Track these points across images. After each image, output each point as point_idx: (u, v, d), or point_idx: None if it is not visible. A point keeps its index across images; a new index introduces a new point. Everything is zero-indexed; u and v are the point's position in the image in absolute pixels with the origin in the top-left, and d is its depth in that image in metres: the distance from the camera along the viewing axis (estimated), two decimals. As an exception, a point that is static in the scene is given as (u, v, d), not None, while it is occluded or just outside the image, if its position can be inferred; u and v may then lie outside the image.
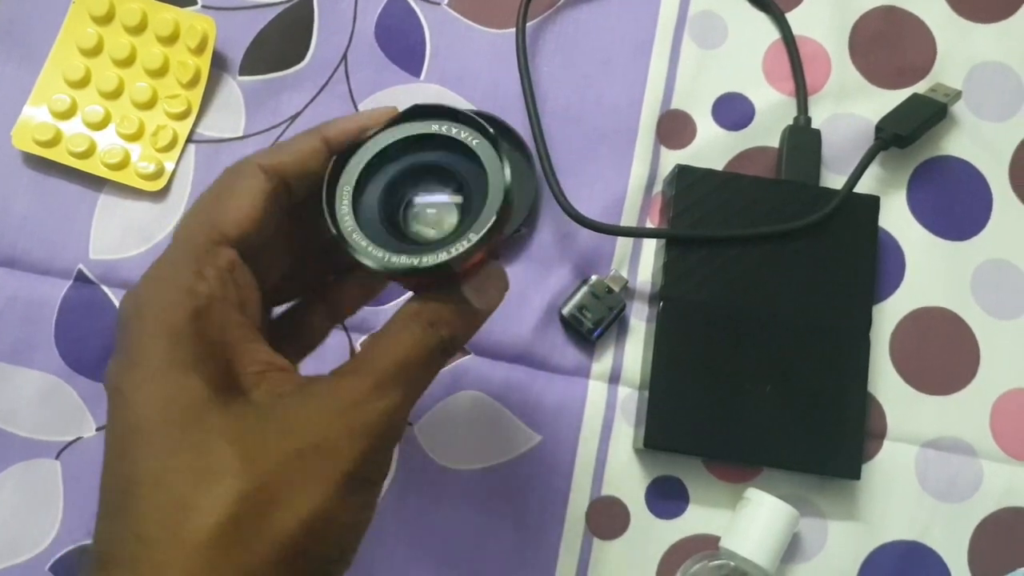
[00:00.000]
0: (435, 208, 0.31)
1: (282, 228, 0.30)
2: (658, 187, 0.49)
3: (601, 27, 0.50)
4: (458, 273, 0.30)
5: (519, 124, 0.48)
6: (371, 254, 0.29)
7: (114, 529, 0.26)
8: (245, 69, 0.49)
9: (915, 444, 0.47)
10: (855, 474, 0.45)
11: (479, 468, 0.47)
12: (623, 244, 0.48)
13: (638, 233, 0.48)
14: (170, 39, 0.48)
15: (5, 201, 0.47)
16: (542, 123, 0.48)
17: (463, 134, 0.31)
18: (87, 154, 0.47)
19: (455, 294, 0.29)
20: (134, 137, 0.48)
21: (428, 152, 0.31)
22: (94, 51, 0.48)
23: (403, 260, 0.29)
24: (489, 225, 0.29)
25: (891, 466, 0.47)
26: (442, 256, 0.29)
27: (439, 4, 0.50)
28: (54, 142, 0.47)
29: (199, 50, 0.48)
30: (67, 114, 0.47)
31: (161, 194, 0.48)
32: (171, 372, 0.26)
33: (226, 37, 0.49)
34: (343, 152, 0.31)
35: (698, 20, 0.50)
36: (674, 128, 0.49)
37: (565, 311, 0.47)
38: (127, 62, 0.48)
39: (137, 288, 0.28)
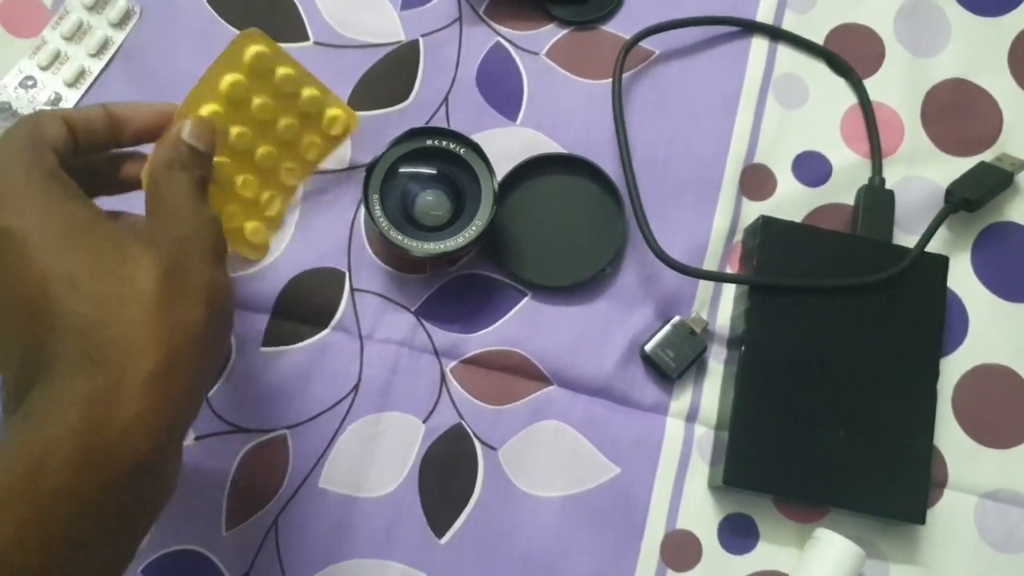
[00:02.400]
0: (435, 203, 0.47)
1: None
2: (738, 236, 0.52)
3: (691, 83, 0.53)
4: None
5: (610, 169, 0.51)
6: (408, 244, 0.46)
7: (37, 332, 0.31)
8: (352, 104, 0.52)
9: (975, 494, 0.49)
10: (920, 519, 0.47)
11: (558, 496, 0.48)
12: (704, 288, 0.51)
13: (724, 278, 0.50)
14: (312, 117, 0.47)
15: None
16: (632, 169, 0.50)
17: (452, 145, 0.47)
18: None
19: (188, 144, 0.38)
20: (249, 204, 0.46)
21: (427, 161, 0.47)
22: (236, 103, 0.43)
23: (432, 246, 0.46)
24: (489, 213, 0.46)
25: (951, 514, 0.49)
26: (460, 240, 0.46)
27: (537, 54, 0.53)
28: None
29: (335, 140, 0.49)
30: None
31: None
32: (54, 201, 0.33)
33: (336, 73, 0.52)
34: (368, 168, 0.46)
35: (782, 81, 0.53)
36: (756, 181, 0.52)
37: (648, 348, 0.49)
38: (264, 124, 0.45)
39: None
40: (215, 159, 0.41)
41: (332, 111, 0.48)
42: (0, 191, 0.33)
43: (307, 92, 0.46)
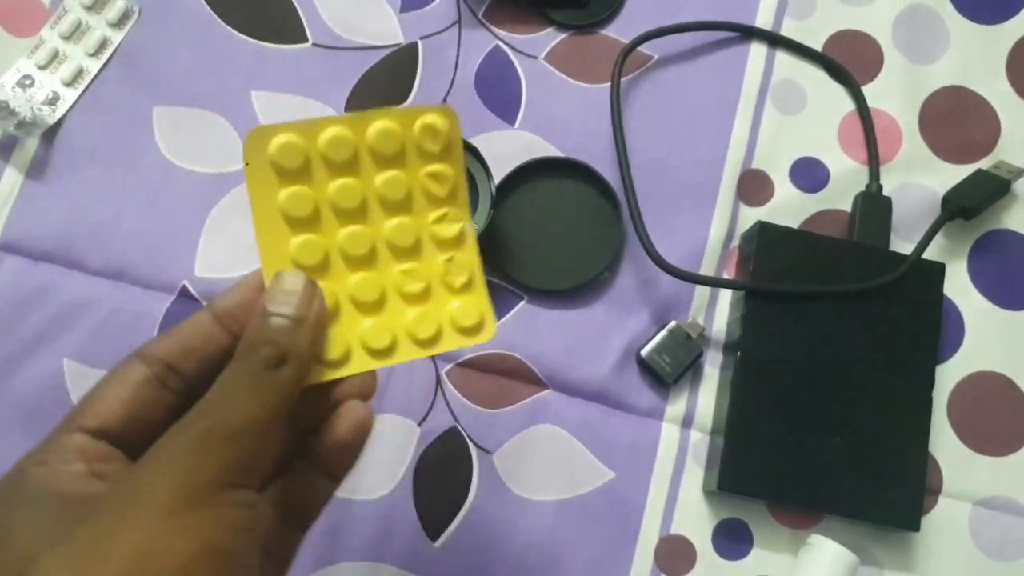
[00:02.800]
0: None
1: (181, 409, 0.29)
2: (735, 241, 0.52)
3: (689, 88, 0.53)
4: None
5: (608, 174, 0.51)
6: None
7: None
8: (350, 106, 0.52)
9: (969, 502, 0.49)
10: (915, 526, 0.47)
11: (553, 500, 0.48)
12: (701, 293, 0.51)
13: (721, 283, 0.50)
14: (400, 155, 0.33)
15: (117, 216, 0.50)
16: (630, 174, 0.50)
17: None
18: (392, 347, 0.33)
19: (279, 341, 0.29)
20: (427, 292, 0.34)
21: None
22: (313, 218, 0.32)
23: None
24: (486, 216, 0.46)
25: (946, 521, 0.49)
26: None
27: (536, 58, 0.53)
28: (345, 358, 0.32)
29: (446, 152, 0.34)
30: (332, 314, 0.32)
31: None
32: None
33: (334, 74, 0.52)
34: None
35: (780, 87, 0.53)
36: (753, 186, 0.52)
37: (644, 353, 0.49)
38: (361, 210, 0.33)
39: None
40: (353, 287, 0.32)
41: (416, 126, 0.33)
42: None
43: (374, 133, 0.32)
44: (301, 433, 0.31)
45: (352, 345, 0.32)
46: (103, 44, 0.51)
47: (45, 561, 0.24)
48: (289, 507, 0.31)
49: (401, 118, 0.33)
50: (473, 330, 0.35)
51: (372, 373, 0.32)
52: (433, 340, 0.34)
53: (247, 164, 0.31)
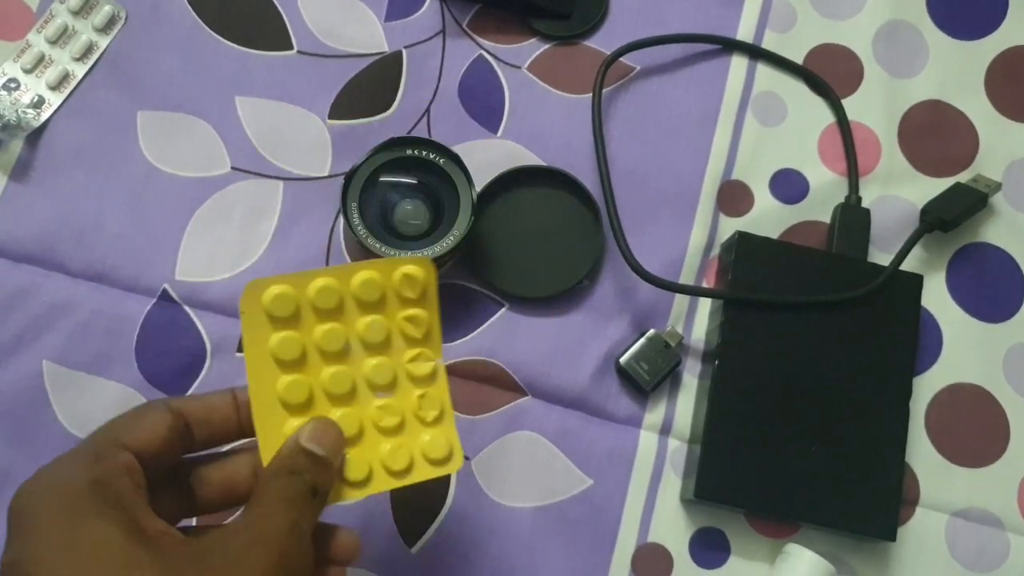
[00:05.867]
0: (414, 212, 0.47)
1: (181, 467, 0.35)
2: (715, 251, 0.52)
3: (670, 99, 0.54)
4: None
5: (589, 183, 0.51)
6: (386, 253, 0.46)
7: None
8: (334, 113, 0.52)
9: (946, 512, 0.50)
10: (891, 536, 0.47)
11: (531, 507, 0.48)
12: (680, 302, 0.51)
13: (699, 292, 0.50)
14: (380, 301, 0.37)
15: (99, 219, 0.50)
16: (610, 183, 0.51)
17: (432, 155, 0.47)
18: (368, 478, 0.36)
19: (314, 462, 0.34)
20: (400, 426, 0.38)
21: (407, 170, 0.47)
22: (300, 360, 0.36)
23: (410, 255, 0.45)
24: (468, 223, 0.46)
25: (922, 532, 0.49)
26: (437, 250, 0.46)
27: (519, 68, 0.54)
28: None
29: (422, 297, 0.38)
30: None
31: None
32: (77, 522, 0.29)
33: (319, 82, 0.52)
34: (347, 176, 0.45)
35: (760, 99, 0.54)
36: (733, 197, 0.53)
37: (623, 361, 0.49)
38: (344, 352, 0.37)
39: (30, 480, 0.30)
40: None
41: (396, 277, 0.38)
42: (28, 510, 0.29)
43: (356, 284, 0.37)
44: None
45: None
46: (89, 49, 0.51)
47: None
48: None
49: (383, 268, 0.37)
50: (442, 461, 0.38)
51: (357, 543, 0.35)
52: (406, 471, 0.37)
53: (243, 312, 0.35)
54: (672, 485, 0.49)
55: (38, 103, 0.50)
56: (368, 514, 0.48)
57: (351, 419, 0.36)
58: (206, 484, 0.36)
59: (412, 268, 0.38)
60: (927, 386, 0.51)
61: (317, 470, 0.33)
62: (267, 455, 0.34)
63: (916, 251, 0.52)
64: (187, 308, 0.49)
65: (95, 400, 0.48)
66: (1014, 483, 0.50)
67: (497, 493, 0.49)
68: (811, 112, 0.54)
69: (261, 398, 0.35)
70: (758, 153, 0.53)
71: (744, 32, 0.55)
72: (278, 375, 0.36)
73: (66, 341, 0.48)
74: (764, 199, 0.53)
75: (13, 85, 0.50)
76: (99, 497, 0.29)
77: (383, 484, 0.37)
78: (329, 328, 0.36)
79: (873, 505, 0.47)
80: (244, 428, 0.35)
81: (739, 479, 0.47)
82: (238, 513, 0.34)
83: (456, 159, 0.47)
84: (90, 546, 0.28)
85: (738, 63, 0.54)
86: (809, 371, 0.48)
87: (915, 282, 0.50)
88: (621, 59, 0.53)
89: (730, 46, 0.54)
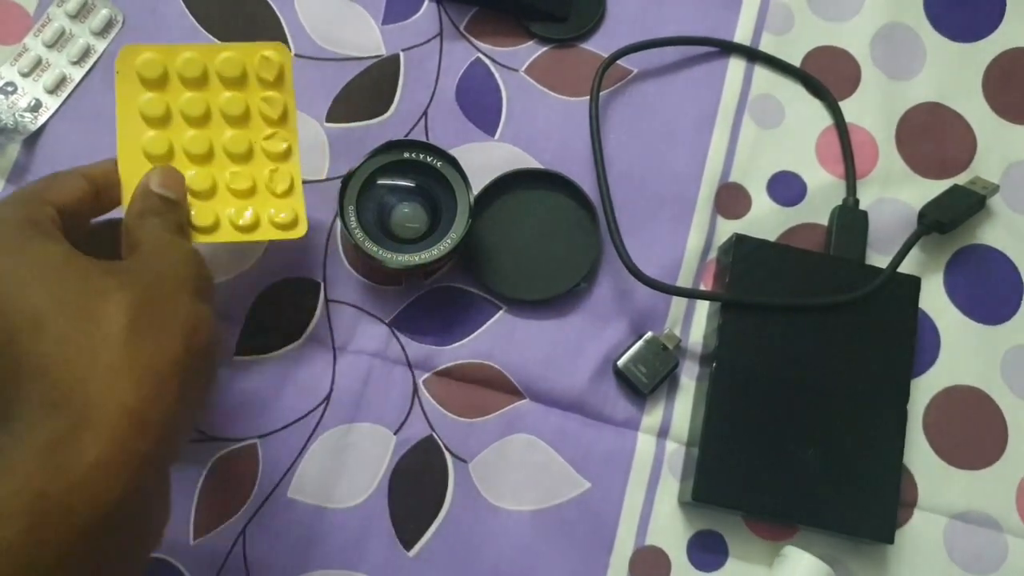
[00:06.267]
0: (411, 216, 0.47)
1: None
2: (713, 253, 0.52)
3: (667, 101, 0.54)
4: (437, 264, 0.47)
5: (586, 186, 0.51)
6: (383, 256, 0.46)
7: (2, 378, 0.30)
8: (332, 116, 0.52)
9: (944, 515, 0.50)
10: (889, 538, 0.47)
11: (529, 510, 0.48)
12: (677, 304, 0.51)
13: (697, 295, 0.50)
14: (240, 80, 0.43)
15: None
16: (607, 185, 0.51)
17: (429, 158, 0.47)
18: (215, 226, 0.42)
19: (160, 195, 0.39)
20: (251, 191, 0.43)
21: (404, 173, 0.47)
22: (164, 118, 0.42)
23: (407, 258, 0.46)
24: (465, 226, 0.46)
25: (921, 535, 0.49)
26: (435, 253, 0.46)
27: (517, 70, 0.54)
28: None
29: (277, 82, 0.44)
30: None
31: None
32: (25, 241, 0.33)
33: (317, 85, 0.52)
34: (344, 179, 0.46)
35: (758, 102, 0.54)
36: (731, 200, 0.53)
37: (620, 364, 0.49)
38: (205, 118, 0.43)
39: None
40: (190, 176, 0.42)
41: (254, 58, 0.43)
42: None
43: (219, 59, 0.42)
44: None
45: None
46: (86, 52, 0.51)
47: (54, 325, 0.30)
48: None
49: (244, 50, 0.43)
50: (287, 226, 0.44)
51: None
52: (251, 228, 0.43)
53: (118, 72, 0.41)
54: (670, 488, 0.49)
55: (35, 107, 0.50)
56: (366, 518, 0.48)
57: (205, 176, 0.42)
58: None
59: (270, 52, 0.43)
60: (925, 388, 0.51)
61: (171, 210, 0.39)
62: (127, 200, 0.40)
63: (914, 253, 0.52)
64: (184, 311, 0.49)
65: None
66: (1012, 485, 0.50)
67: (495, 496, 0.48)
68: (809, 114, 0.54)
69: (127, 150, 0.41)
70: (756, 155, 0.53)
71: (741, 35, 0.55)
72: (144, 130, 0.42)
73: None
74: (762, 201, 0.53)
75: (10, 89, 0.50)
76: (34, 228, 0.34)
77: (228, 236, 0.43)
78: (192, 95, 0.42)
79: (871, 507, 0.47)
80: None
81: (737, 482, 0.47)
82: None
83: (453, 162, 0.47)
84: (41, 256, 0.32)
85: (735, 66, 0.54)
86: (807, 373, 0.48)
87: (913, 284, 0.50)
88: (618, 62, 0.53)
89: (727, 49, 0.54)
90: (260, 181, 0.44)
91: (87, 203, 0.38)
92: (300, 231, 0.44)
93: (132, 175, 0.41)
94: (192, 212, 0.42)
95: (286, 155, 0.44)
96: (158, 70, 0.41)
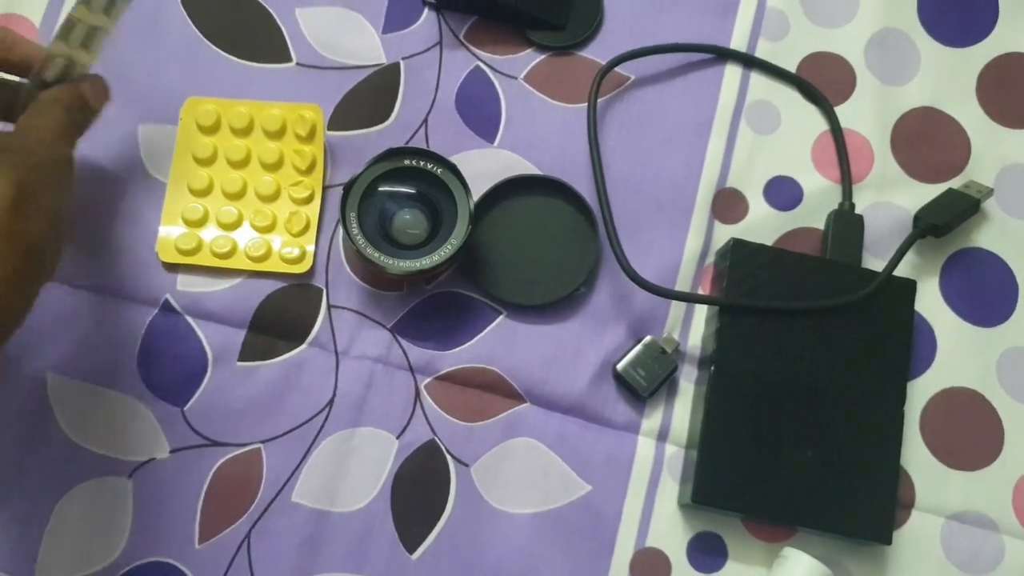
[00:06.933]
0: (412, 222, 0.48)
1: None
2: (710, 258, 0.53)
3: (665, 108, 0.54)
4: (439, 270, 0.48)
5: (585, 191, 0.52)
6: (384, 262, 0.47)
7: None
8: (333, 124, 0.53)
9: (941, 516, 0.50)
10: (886, 539, 0.48)
11: (530, 513, 0.49)
12: (676, 308, 0.52)
13: (695, 299, 0.51)
14: (279, 133, 0.51)
15: (102, 229, 0.50)
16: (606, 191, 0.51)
17: (429, 165, 0.48)
18: (231, 253, 0.50)
19: (82, 93, 0.43)
20: (270, 228, 0.50)
21: (405, 180, 0.48)
22: (211, 159, 0.51)
23: (408, 264, 0.47)
24: (465, 232, 0.47)
25: (918, 535, 0.50)
26: (435, 258, 0.47)
27: (516, 78, 0.54)
28: (197, 249, 0.50)
29: (309, 137, 0.51)
30: (202, 221, 0.50)
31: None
32: None
33: (318, 93, 0.53)
34: (346, 186, 0.47)
35: (754, 108, 0.55)
36: (728, 204, 0.53)
37: (620, 367, 0.50)
38: (244, 162, 0.51)
39: None
40: (222, 210, 0.50)
41: (293, 116, 0.51)
42: None
43: (263, 114, 0.51)
44: None
45: (203, 244, 0.50)
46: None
47: None
48: None
49: (286, 108, 0.51)
50: (293, 261, 0.50)
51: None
52: (261, 259, 0.50)
53: (181, 119, 0.51)
54: (670, 490, 0.50)
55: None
56: (369, 521, 0.48)
57: (234, 211, 0.50)
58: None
59: (306, 112, 0.51)
60: (921, 390, 0.51)
61: (85, 116, 0.43)
62: (168, 222, 0.50)
63: (909, 256, 0.53)
64: (188, 318, 0.50)
65: (98, 410, 0.48)
66: (1009, 486, 0.51)
67: (496, 499, 0.49)
68: (804, 120, 0.55)
69: (176, 182, 0.50)
70: (752, 161, 0.54)
71: (737, 41, 0.55)
72: (194, 167, 0.51)
73: (69, 352, 0.49)
74: (758, 206, 0.53)
75: (16, 99, 0.51)
76: None
77: (240, 263, 0.50)
78: (236, 142, 0.51)
79: (869, 509, 0.48)
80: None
81: (736, 484, 0.47)
82: None
83: (453, 169, 0.48)
84: None
85: (732, 72, 0.55)
86: (804, 376, 0.49)
87: (909, 287, 0.51)
88: (616, 69, 0.54)
89: (724, 55, 0.55)
90: (280, 220, 0.51)
91: None
92: (304, 267, 0.50)
93: (175, 203, 0.50)
94: (215, 240, 0.50)
95: (308, 200, 0.51)
96: (213, 119, 0.51)
